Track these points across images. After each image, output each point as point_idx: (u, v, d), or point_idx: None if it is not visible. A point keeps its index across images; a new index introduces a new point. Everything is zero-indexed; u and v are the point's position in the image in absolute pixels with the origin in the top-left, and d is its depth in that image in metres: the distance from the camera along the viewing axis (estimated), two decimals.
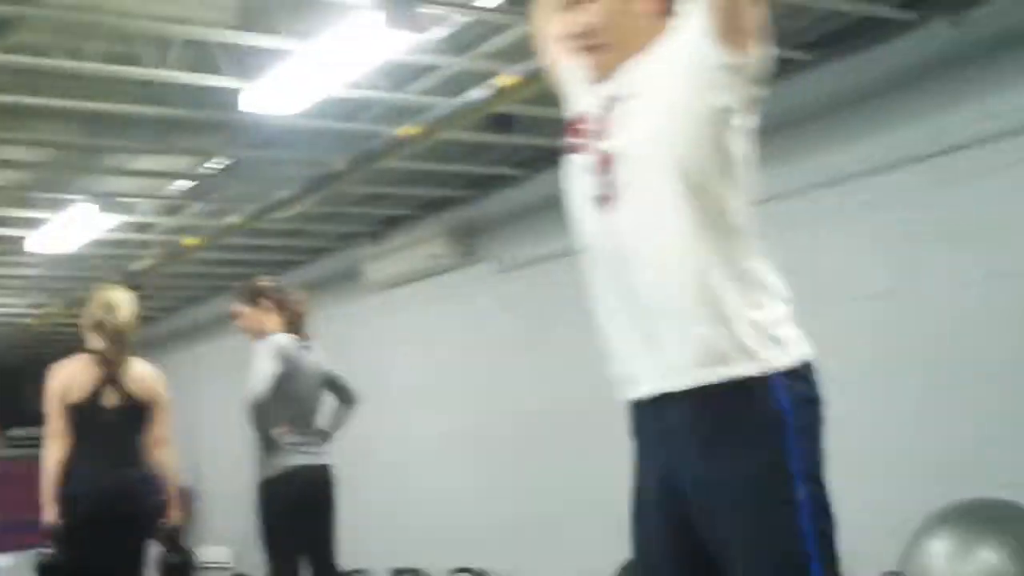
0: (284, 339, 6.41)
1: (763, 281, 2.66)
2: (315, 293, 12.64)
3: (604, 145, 2.70)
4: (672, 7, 2.72)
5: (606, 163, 2.69)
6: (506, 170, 9.97)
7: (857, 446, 6.99)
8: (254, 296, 6.58)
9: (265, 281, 6.77)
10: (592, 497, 8.98)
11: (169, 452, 6.01)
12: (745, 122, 2.64)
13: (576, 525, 9.24)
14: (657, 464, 2.72)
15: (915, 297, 7.05)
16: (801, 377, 2.60)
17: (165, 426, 5.99)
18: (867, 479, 6.95)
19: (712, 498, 2.59)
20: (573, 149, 2.82)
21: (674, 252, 2.61)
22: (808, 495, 2.52)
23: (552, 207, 10.11)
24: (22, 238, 11.10)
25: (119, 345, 5.86)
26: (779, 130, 7.87)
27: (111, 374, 5.81)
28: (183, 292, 14.83)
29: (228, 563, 14.02)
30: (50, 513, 5.66)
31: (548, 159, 9.63)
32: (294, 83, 7.27)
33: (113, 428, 5.78)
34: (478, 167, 10.03)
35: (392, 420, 11.44)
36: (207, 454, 13.92)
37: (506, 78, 7.18)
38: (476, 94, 7.45)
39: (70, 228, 10.59)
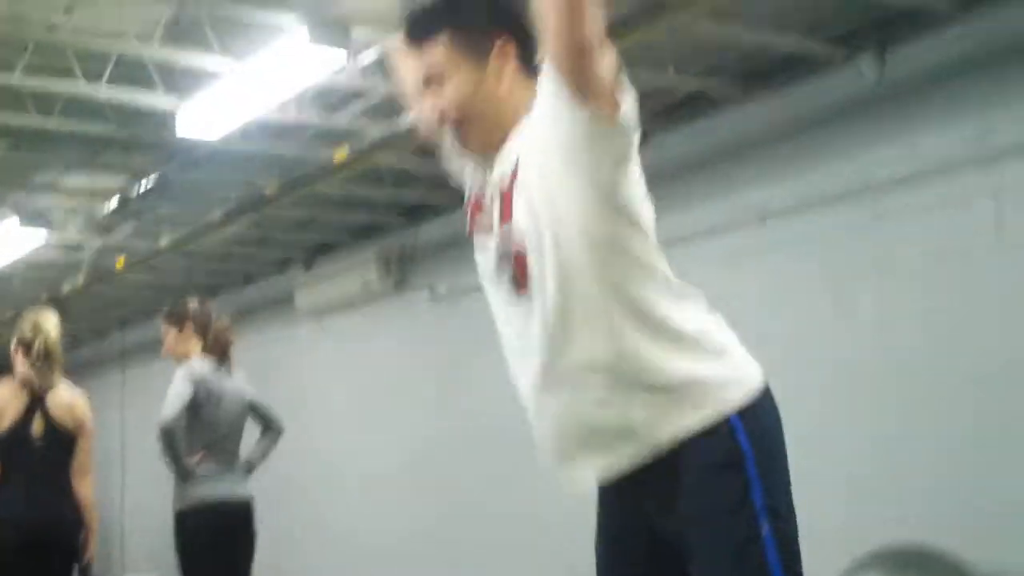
0: (201, 364, 6.28)
1: (689, 328, 2.61)
2: (246, 318, 12.63)
3: (502, 235, 2.67)
4: (532, 79, 2.65)
5: (508, 254, 2.66)
6: (439, 198, 9.95)
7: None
8: (179, 320, 6.42)
9: (192, 304, 6.57)
10: (531, 522, 8.96)
11: (88, 482, 5.92)
12: (629, 171, 2.62)
13: (524, 550, 9.19)
14: (621, 509, 2.72)
15: (847, 333, 7.10)
16: (757, 409, 2.60)
17: (87, 454, 5.90)
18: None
19: (681, 535, 2.59)
20: (473, 230, 2.81)
21: (591, 327, 2.57)
22: (773, 530, 2.54)
23: None
24: None
25: (47, 369, 5.80)
26: (705, 166, 7.93)
27: (38, 400, 5.74)
28: (112, 314, 14.68)
29: None
30: None
31: None
32: (226, 104, 7.23)
33: (39, 456, 5.72)
34: (410, 194, 10.01)
35: (323, 447, 11.38)
36: (133, 479, 13.75)
37: None
38: (408, 120, 7.43)
39: None
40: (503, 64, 2.66)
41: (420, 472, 10.30)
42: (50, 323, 5.90)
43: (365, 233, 11.07)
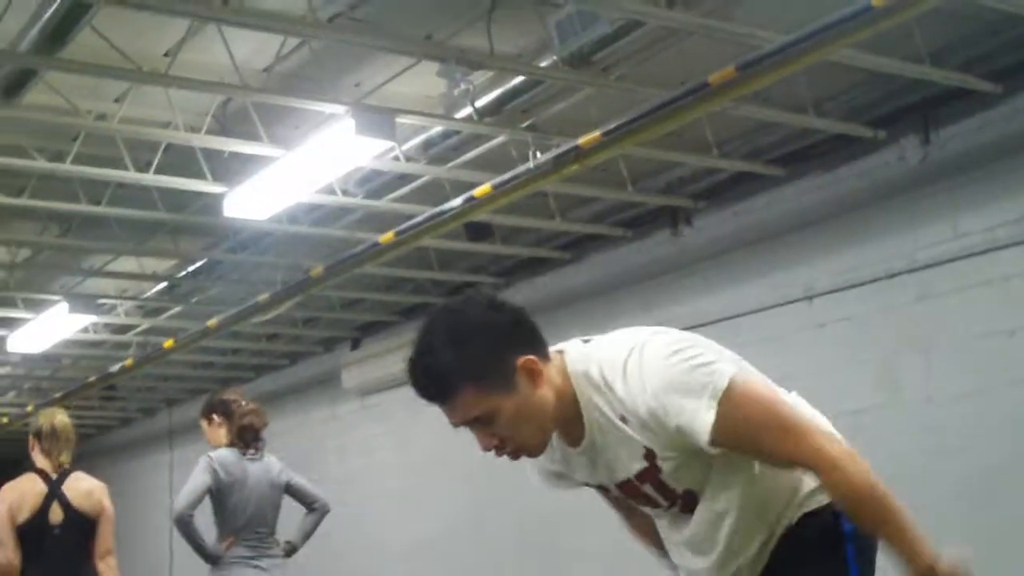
0: (222, 453, 6.41)
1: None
2: (292, 397, 12.68)
3: (667, 498, 2.79)
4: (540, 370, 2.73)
5: (675, 501, 2.81)
6: (484, 278, 9.99)
7: None
8: (207, 412, 6.64)
9: (223, 394, 6.76)
10: None
11: (112, 564, 6.01)
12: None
13: None
14: None
15: (894, 412, 7.04)
16: None
17: (109, 538, 5.99)
18: None
19: None
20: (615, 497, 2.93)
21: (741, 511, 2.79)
22: None
23: (531, 315, 10.06)
24: (3, 337, 11.05)
25: (58, 451, 5.96)
26: (750, 245, 7.93)
27: (56, 489, 5.86)
28: (160, 394, 14.76)
29: None
30: None
31: (526, 268, 9.69)
32: (273, 188, 7.30)
33: (60, 544, 5.83)
34: (456, 275, 10.05)
35: (369, 526, 11.35)
36: (182, 559, 13.74)
37: (483, 188, 7.22)
38: (454, 202, 7.49)
39: (49, 328, 10.56)
40: (532, 377, 2.70)
41: (466, 548, 10.25)
42: (60, 414, 6.15)
43: (411, 312, 11.10)
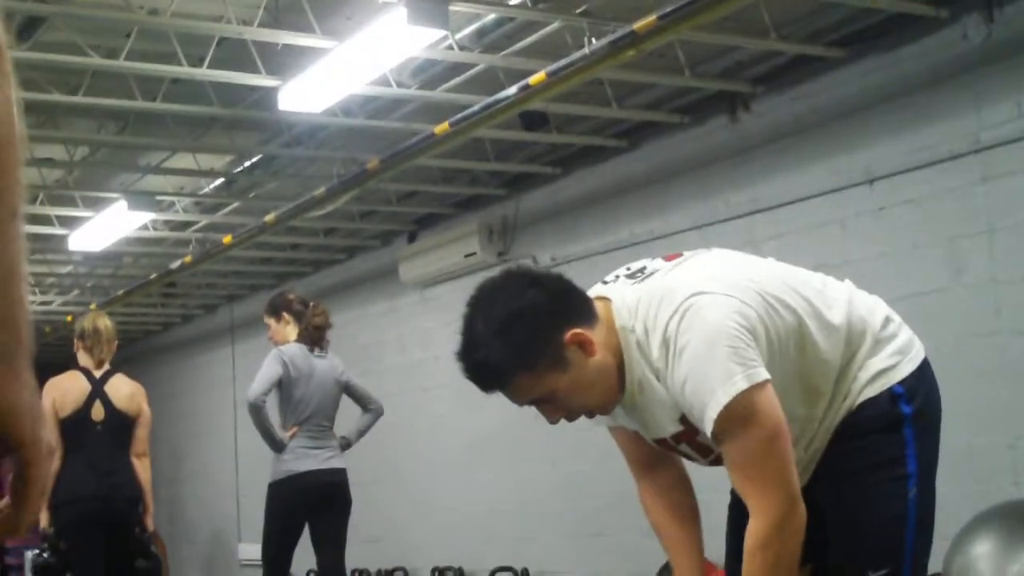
0: (291, 348, 6.86)
1: (858, 319, 2.85)
2: (350, 292, 12.75)
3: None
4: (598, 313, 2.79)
5: (683, 456, 2.97)
6: (541, 168, 9.94)
7: None
8: (276, 310, 7.11)
9: (288, 296, 7.30)
10: (628, 498, 8.95)
11: (147, 464, 6.49)
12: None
13: (618, 524, 9.20)
14: None
15: (956, 295, 6.99)
16: (918, 380, 2.84)
17: (145, 439, 6.53)
18: None
19: (832, 480, 2.84)
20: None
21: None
22: (918, 494, 2.80)
23: (588, 205, 10.17)
24: (64, 236, 11.15)
25: (102, 353, 6.42)
26: (810, 129, 7.83)
27: (98, 389, 6.28)
28: (220, 290, 14.88)
29: None
30: (43, 519, 6.21)
31: (583, 157, 9.64)
32: (327, 81, 7.27)
33: (99, 440, 6.29)
34: (513, 165, 10.01)
35: (429, 418, 11.45)
36: (246, 453, 13.94)
37: (538, 76, 7.15)
38: (508, 91, 7.43)
39: (108, 226, 10.64)
40: (583, 347, 2.74)
41: (522, 442, 10.32)
42: (103, 316, 6.63)
43: (468, 204, 11.09)
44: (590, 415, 2.87)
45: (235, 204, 11.21)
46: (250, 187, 10.95)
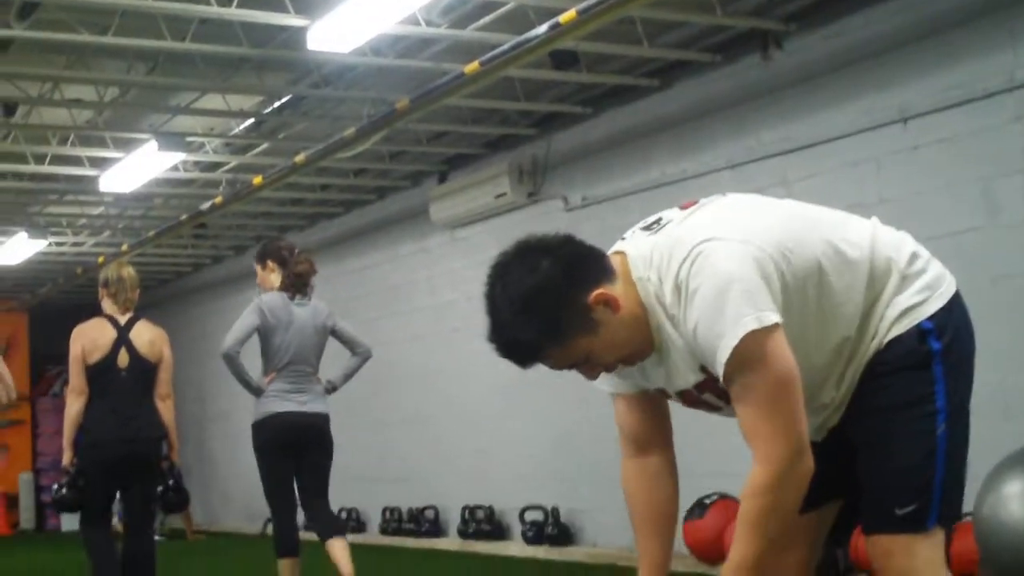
0: (271, 296, 7.04)
1: (886, 256, 2.82)
2: (381, 232, 12.75)
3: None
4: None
5: (707, 407, 2.92)
6: (571, 108, 9.89)
7: None
8: (262, 257, 7.25)
9: (279, 243, 7.42)
10: None
11: (170, 405, 6.79)
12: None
13: None
14: None
15: (991, 234, 6.93)
16: (948, 315, 2.81)
17: (167, 382, 6.75)
18: None
19: (861, 418, 2.84)
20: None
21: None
22: (947, 431, 2.78)
23: (619, 145, 10.10)
24: (95, 177, 11.17)
25: (126, 302, 6.67)
26: (844, 67, 7.76)
27: (124, 337, 6.58)
28: (250, 231, 14.90)
29: None
30: (67, 456, 6.61)
31: (614, 96, 9.58)
32: (357, 20, 7.23)
33: (125, 384, 6.57)
34: (543, 105, 9.96)
35: (459, 359, 11.47)
36: None
37: (569, 14, 7.09)
38: (538, 30, 7.37)
39: (139, 167, 10.65)
40: (608, 305, 2.72)
41: (553, 382, 10.31)
42: (126, 265, 6.90)
43: (498, 144, 11.06)
44: (629, 363, 2.85)
45: (265, 145, 11.20)
46: (280, 128, 10.93)
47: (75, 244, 14.92)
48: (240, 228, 14.76)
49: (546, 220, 10.47)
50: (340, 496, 13.24)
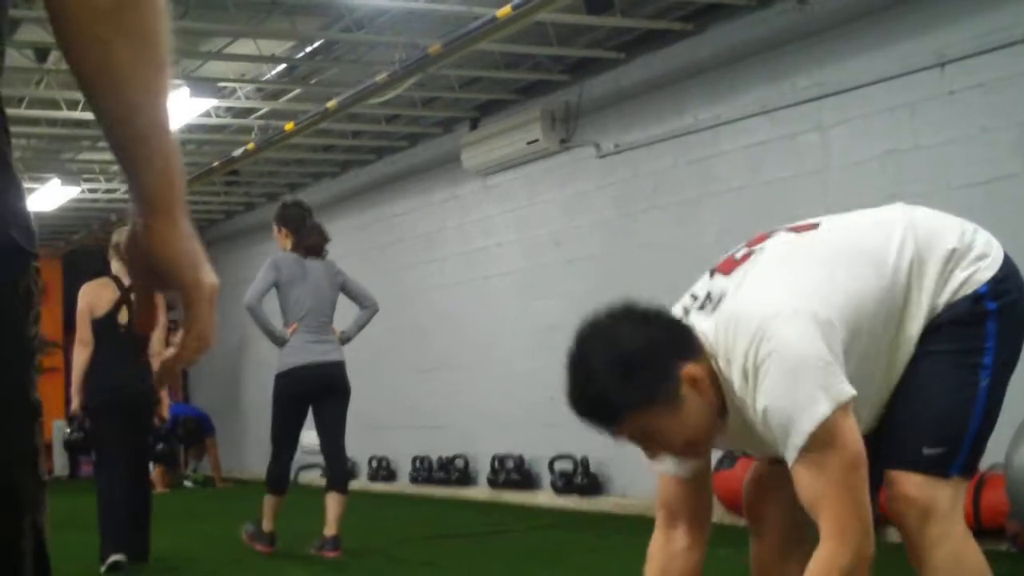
0: (285, 255, 7.62)
1: (936, 248, 2.87)
2: (413, 179, 12.73)
3: None
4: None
5: None
6: (604, 53, 9.82)
7: None
8: (279, 222, 7.79)
9: (290, 208, 7.96)
10: None
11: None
12: None
13: None
14: None
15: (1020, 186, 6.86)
16: (1005, 280, 2.86)
17: (161, 340, 7.16)
18: None
19: (912, 359, 2.87)
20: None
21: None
22: (989, 386, 2.83)
23: (652, 91, 10.04)
24: None
25: None
26: (880, 12, 7.66)
27: (126, 294, 7.03)
28: (282, 178, 14.90)
29: None
30: (76, 402, 7.28)
31: (648, 41, 9.50)
32: None
33: (122, 340, 7.11)
34: (576, 50, 9.89)
35: (491, 307, 11.47)
36: None
37: None
38: None
39: (171, 113, 10.62)
40: (695, 385, 2.72)
41: None
42: None
43: (530, 91, 11.00)
44: (688, 452, 2.86)
45: (297, 91, 11.17)
46: (312, 73, 10.90)
47: (108, 191, 14.95)
48: (272, 175, 14.77)
49: (578, 167, 10.43)
50: (371, 444, 13.33)
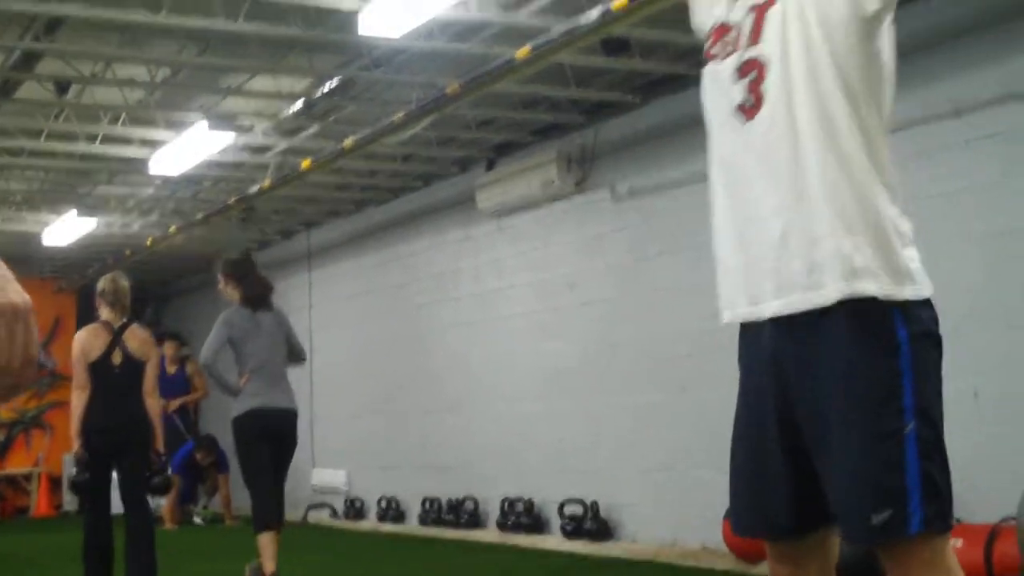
0: (235, 311, 8.04)
1: (900, 197, 2.67)
2: (427, 218, 12.74)
3: (750, 53, 2.66)
4: None
5: (751, 71, 2.66)
6: (621, 96, 9.84)
7: (970, 388, 6.83)
8: (225, 273, 8.20)
9: (236, 260, 8.40)
10: (702, 431, 8.91)
11: (154, 399, 7.68)
12: (890, 27, 2.58)
13: (689, 459, 9.18)
14: (767, 379, 2.69)
15: None
16: (923, 312, 2.59)
17: (152, 379, 7.62)
18: (983, 423, 6.79)
19: (821, 417, 2.56)
20: (712, 57, 2.78)
21: (825, 158, 2.59)
22: (916, 431, 2.50)
23: (669, 135, 10.05)
24: (145, 158, 11.22)
25: (120, 310, 7.63)
26: (899, 58, 7.65)
27: (117, 338, 7.52)
28: (298, 215, 14.93)
29: (342, 487, 14.13)
30: (77, 444, 7.53)
31: (665, 85, 9.52)
32: (409, 4, 7.22)
33: (118, 380, 7.51)
34: (593, 93, 9.92)
35: (503, 348, 11.45)
36: (320, 377, 14.05)
37: (621, 0, 7.04)
38: (590, 16, 7.33)
39: (189, 148, 10.68)
40: None
41: (597, 374, 10.30)
42: (121, 277, 7.80)
43: (546, 132, 11.02)
44: None
45: (314, 128, 11.20)
46: (329, 111, 10.94)
47: (124, 225, 14.98)
48: (287, 212, 14.79)
49: (593, 209, 10.44)
50: (380, 485, 13.30)
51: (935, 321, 2.60)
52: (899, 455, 2.48)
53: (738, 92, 2.68)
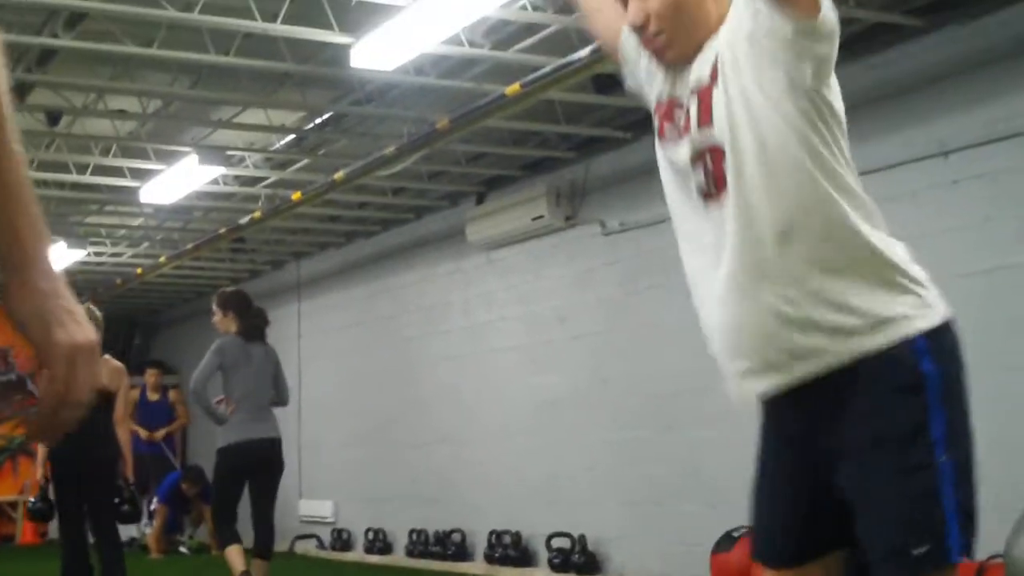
0: (229, 340, 8.18)
1: (890, 243, 2.59)
2: (417, 252, 12.77)
3: (702, 138, 2.64)
4: None
5: (706, 156, 2.63)
6: (611, 132, 9.89)
7: None
8: (223, 305, 8.35)
9: (234, 295, 8.57)
10: (691, 467, 8.92)
11: (125, 428, 7.91)
12: (830, 83, 2.59)
13: (677, 494, 9.19)
14: (789, 435, 2.68)
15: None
16: (943, 338, 2.54)
17: (122, 408, 7.80)
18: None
19: (842, 457, 2.54)
20: (663, 138, 2.78)
21: (795, 233, 2.54)
22: (950, 461, 2.47)
23: (657, 171, 10.05)
24: (136, 188, 11.24)
25: None
26: (886, 98, 7.72)
27: None
28: (288, 247, 14.95)
29: (329, 518, 14.11)
30: (39, 472, 7.69)
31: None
32: (399, 38, 7.27)
33: (90, 410, 7.44)
34: (583, 128, 9.96)
35: (493, 381, 11.46)
36: (308, 408, 14.04)
37: None
38: (581, 54, 7.38)
39: (179, 179, 10.71)
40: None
41: (586, 408, 10.31)
42: (94, 311, 7.66)
43: (536, 167, 11.06)
44: (653, 44, 2.72)
45: (305, 161, 11.24)
46: (320, 144, 10.98)
47: (114, 255, 15.00)
48: (278, 243, 14.82)
49: (583, 244, 10.47)
50: (367, 516, 13.28)
51: (956, 342, 2.57)
52: (934, 488, 2.45)
53: (696, 179, 2.66)
